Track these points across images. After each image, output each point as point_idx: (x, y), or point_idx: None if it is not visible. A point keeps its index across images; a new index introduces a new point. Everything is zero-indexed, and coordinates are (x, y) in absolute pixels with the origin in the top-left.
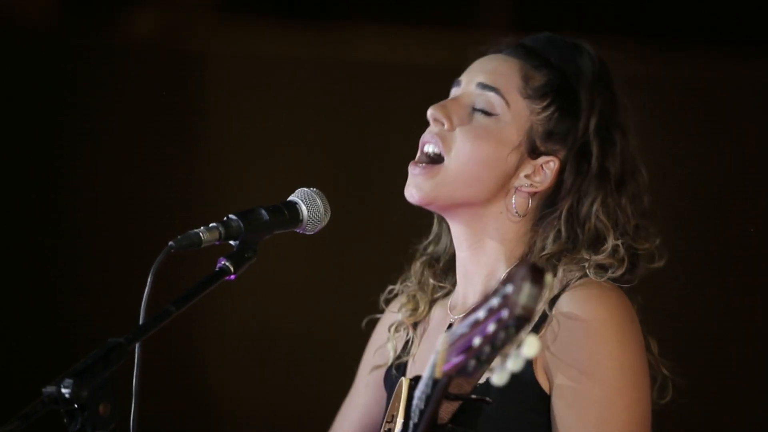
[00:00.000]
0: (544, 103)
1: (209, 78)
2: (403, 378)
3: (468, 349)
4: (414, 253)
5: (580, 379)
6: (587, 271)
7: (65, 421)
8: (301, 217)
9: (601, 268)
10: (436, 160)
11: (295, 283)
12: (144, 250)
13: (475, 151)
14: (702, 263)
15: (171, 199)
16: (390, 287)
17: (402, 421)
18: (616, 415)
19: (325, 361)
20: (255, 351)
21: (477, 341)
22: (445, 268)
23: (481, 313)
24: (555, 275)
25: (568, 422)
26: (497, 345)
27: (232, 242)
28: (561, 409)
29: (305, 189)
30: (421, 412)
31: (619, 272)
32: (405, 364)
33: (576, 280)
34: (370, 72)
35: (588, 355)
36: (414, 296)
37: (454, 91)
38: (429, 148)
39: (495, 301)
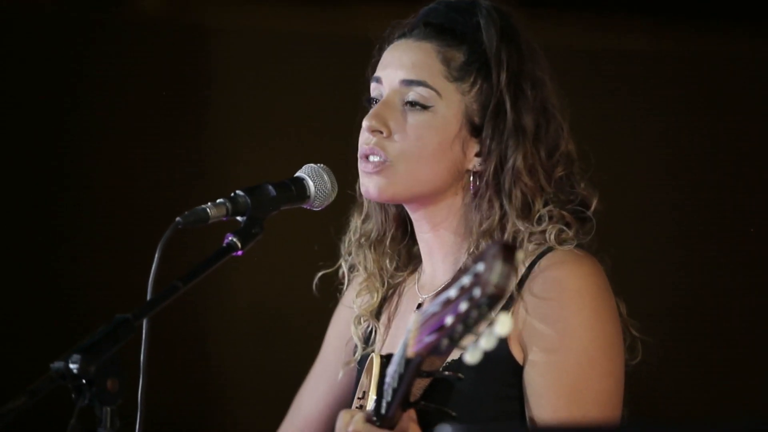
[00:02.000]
0: (471, 80)
1: (219, 53)
2: (373, 354)
3: (440, 328)
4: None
5: (553, 349)
6: (551, 241)
7: (73, 396)
8: (308, 193)
9: (564, 235)
10: (384, 163)
11: (304, 260)
12: (151, 226)
13: (419, 149)
14: (701, 261)
15: (178, 174)
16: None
17: (374, 397)
18: (589, 385)
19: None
20: (263, 328)
21: (449, 320)
22: (396, 249)
23: (452, 292)
24: (522, 248)
25: (539, 392)
26: (470, 323)
27: (239, 218)
28: (533, 379)
29: (312, 165)
30: (394, 391)
31: (570, 234)
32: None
33: (546, 252)
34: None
35: (562, 325)
36: (368, 285)
37: (375, 88)
38: (374, 159)
39: (466, 280)
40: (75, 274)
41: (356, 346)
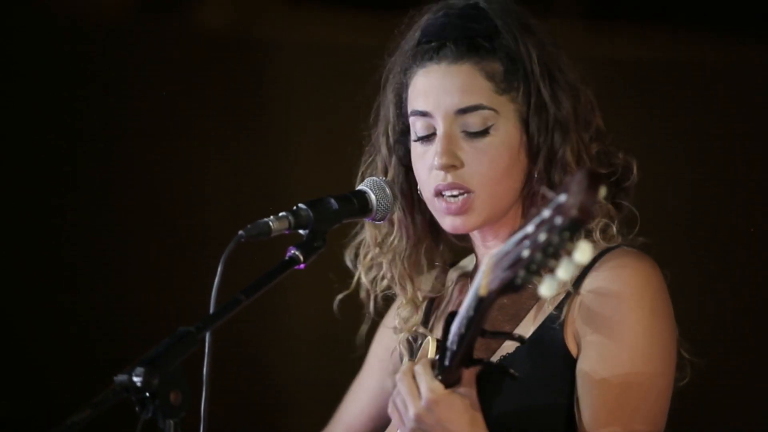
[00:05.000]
0: (516, 86)
1: (278, 67)
2: (429, 337)
3: (516, 262)
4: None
5: (608, 343)
6: (596, 239)
7: (137, 409)
8: (370, 206)
9: (609, 230)
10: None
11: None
12: (214, 239)
13: (495, 171)
14: (700, 262)
15: (241, 188)
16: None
17: (437, 352)
18: (641, 382)
19: None
20: (324, 342)
21: (526, 253)
22: (431, 259)
23: (530, 227)
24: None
25: (590, 384)
26: (549, 252)
27: (301, 231)
28: (584, 371)
29: (374, 178)
30: (461, 338)
31: (614, 230)
32: None
33: (606, 251)
34: None
35: (618, 320)
36: (409, 300)
37: (420, 121)
38: (453, 193)
39: (546, 213)
40: (139, 288)
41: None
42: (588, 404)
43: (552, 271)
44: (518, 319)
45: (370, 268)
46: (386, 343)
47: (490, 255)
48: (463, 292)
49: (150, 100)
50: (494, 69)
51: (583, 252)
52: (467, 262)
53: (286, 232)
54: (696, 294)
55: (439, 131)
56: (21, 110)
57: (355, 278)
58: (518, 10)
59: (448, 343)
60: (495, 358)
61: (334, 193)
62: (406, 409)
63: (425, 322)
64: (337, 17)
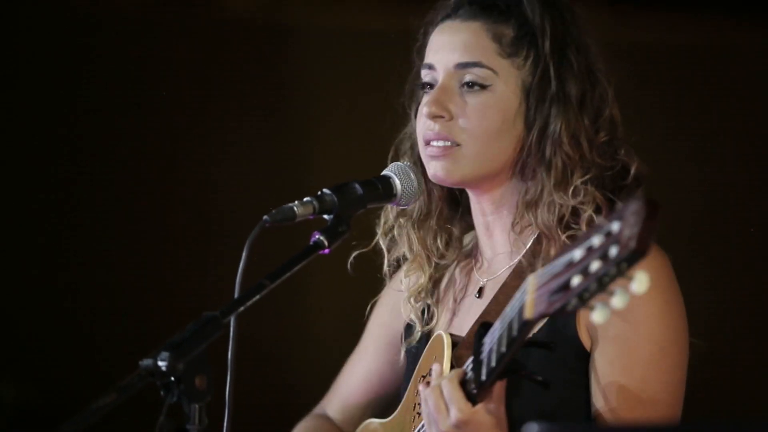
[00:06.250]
0: (524, 54)
1: (302, 52)
2: (441, 333)
3: (565, 288)
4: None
5: (624, 338)
6: (583, 229)
7: (162, 393)
8: (395, 191)
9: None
10: (451, 146)
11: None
12: (238, 224)
13: (483, 129)
14: (701, 262)
15: (265, 173)
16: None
17: (471, 365)
18: (659, 376)
19: None
20: (349, 327)
21: (577, 280)
22: (442, 226)
23: (577, 253)
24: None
25: (608, 379)
26: (605, 281)
27: (326, 216)
28: (602, 366)
29: (399, 163)
30: (501, 356)
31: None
32: (430, 333)
33: None
34: None
35: (634, 315)
36: (415, 265)
37: (428, 75)
38: (439, 144)
39: (596, 240)
40: (165, 273)
41: (408, 328)
42: (606, 399)
43: (605, 298)
44: None
45: (387, 233)
46: (384, 320)
47: (533, 276)
48: (468, 283)
49: (170, 89)
50: (503, 32)
51: (641, 283)
52: (468, 239)
53: (311, 217)
54: (697, 286)
55: (437, 83)
56: (35, 105)
57: (374, 240)
58: None
59: (483, 357)
60: None
61: (359, 179)
62: (435, 424)
63: (432, 294)
64: (362, 2)
